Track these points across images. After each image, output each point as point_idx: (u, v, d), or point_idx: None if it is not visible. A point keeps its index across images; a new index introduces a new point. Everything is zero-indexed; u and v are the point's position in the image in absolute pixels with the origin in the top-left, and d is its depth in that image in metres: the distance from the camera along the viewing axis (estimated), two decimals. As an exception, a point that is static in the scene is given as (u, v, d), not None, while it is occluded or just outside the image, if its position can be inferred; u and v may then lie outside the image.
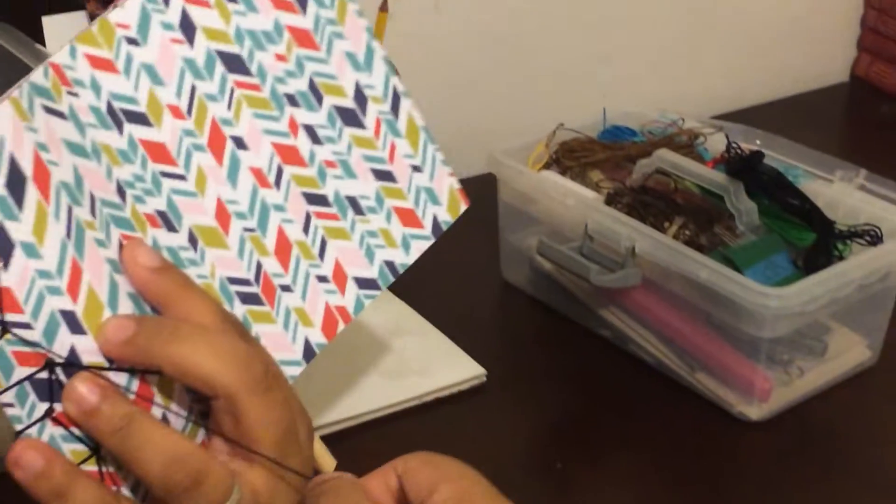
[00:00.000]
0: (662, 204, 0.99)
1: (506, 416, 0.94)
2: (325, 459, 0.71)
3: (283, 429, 0.52)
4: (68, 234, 0.52)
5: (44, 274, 0.51)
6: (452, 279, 1.11)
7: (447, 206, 0.68)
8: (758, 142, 1.10)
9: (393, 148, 0.67)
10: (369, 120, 0.66)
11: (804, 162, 1.06)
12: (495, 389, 0.95)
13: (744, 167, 0.98)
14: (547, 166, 1.08)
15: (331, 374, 0.92)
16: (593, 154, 1.07)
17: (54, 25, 0.90)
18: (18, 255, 0.51)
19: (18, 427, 0.50)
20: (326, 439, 0.86)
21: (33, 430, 0.50)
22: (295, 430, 0.53)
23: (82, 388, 0.50)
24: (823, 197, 1.01)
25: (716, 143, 1.09)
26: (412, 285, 1.04)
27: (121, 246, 0.54)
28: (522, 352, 1.03)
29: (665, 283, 0.95)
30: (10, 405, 0.50)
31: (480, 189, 1.11)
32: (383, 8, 1.08)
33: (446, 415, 0.92)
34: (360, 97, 0.66)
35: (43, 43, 0.87)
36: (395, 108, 0.67)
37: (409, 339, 0.98)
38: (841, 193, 1.02)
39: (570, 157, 1.07)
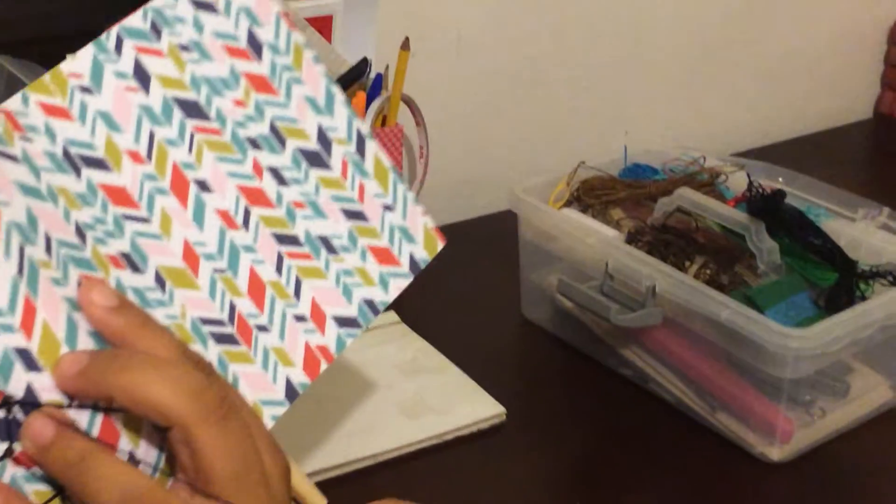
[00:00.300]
0: (683, 243, 0.99)
1: (525, 455, 0.93)
2: (315, 499, 0.70)
3: (240, 460, 0.51)
4: (20, 272, 0.51)
5: None
6: (472, 316, 1.11)
7: (423, 244, 0.68)
8: (780, 180, 1.10)
9: (362, 188, 0.67)
10: (335, 161, 0.66)
11: (827, 200, 1.06)
12: (515, 428, 0.95)
13: (765, 206, 0.97)
14: (568, 204, 1.08)
15: (347, 413, 0.92)
16: (614, 192, 1.07)
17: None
18: None
19: None
20: (343, 479, 0.86)
21: None
22: (258, 465, 0.52)
23: (37, 423, 0.49)
24: (846, 236, 1.01)
25: (737, 182, 1.09)
26: (432, 322, 1.05)
27: (80, 285, 0.54)
28: (542, 390, 1.03)
29: (686, 323, 0.94)
30: None
31: (501, 226, 1.12)
32: (404, 46, 1.09)
33: (465, 454, 0.92)
34: (324, 139, 0.66)
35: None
36: (360, 149, 0.67)
37: (427, 377, 0.98)
38: (863, 232, 1.02)
39: (591, 195, 1.07)
